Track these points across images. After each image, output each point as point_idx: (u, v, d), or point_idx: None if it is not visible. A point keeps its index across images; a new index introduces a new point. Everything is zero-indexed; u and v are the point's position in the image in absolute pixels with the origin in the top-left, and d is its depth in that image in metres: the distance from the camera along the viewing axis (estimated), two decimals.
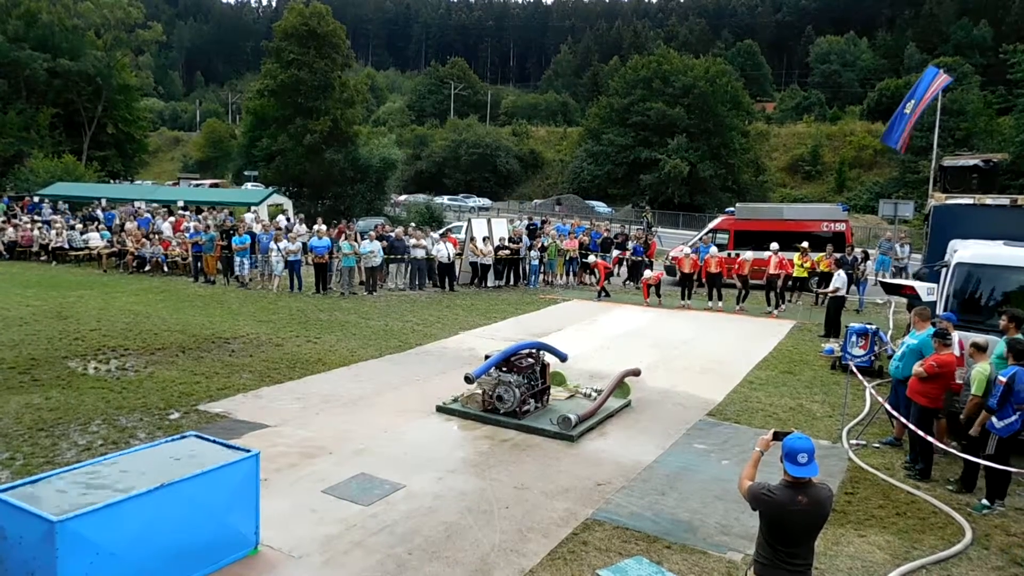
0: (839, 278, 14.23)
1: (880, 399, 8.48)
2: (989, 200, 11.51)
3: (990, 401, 6.48)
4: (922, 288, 10.18)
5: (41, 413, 8.13)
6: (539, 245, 20.06)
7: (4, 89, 39.49)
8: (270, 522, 5.53)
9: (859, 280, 17.65)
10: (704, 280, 17.33)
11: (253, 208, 25.27)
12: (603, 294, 18.13)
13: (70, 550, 4.12)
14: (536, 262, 19.89)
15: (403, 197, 50.85)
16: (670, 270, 20.05)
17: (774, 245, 16.64)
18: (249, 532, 5.26)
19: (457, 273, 19.11)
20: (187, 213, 24.59)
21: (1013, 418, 6.37)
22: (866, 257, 17.94)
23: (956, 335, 7.60)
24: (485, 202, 55.30)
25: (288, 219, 24.55)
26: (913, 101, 19.78)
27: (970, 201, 11.63)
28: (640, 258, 19.94)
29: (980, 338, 7.05)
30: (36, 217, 24.91)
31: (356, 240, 18.27)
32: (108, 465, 4.95)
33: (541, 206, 50.59)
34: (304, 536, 5.58)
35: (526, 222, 24.16)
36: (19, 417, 7.96)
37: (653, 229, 31.53)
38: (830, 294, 14.29)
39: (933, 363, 7.11)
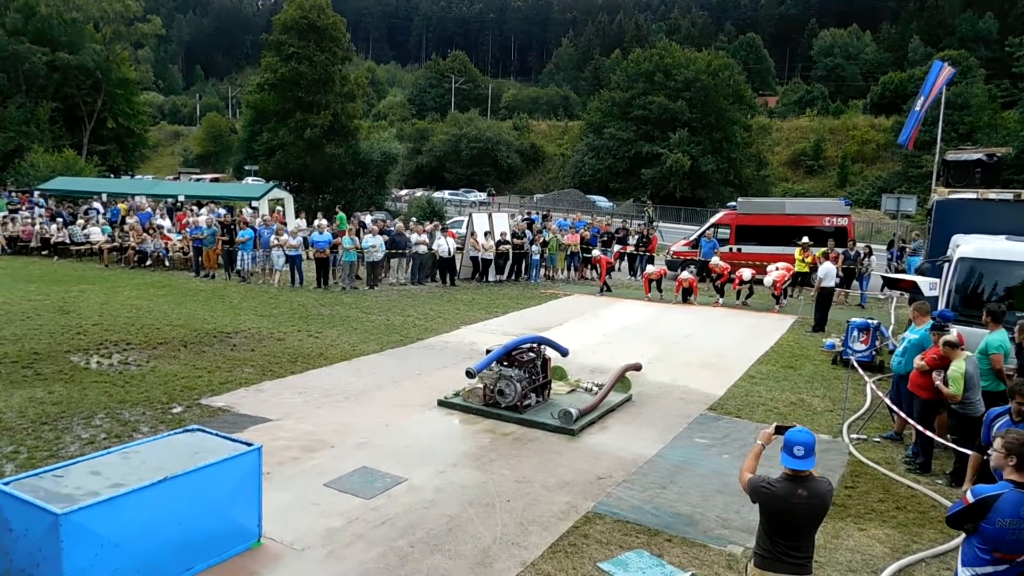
0: (824, 269, 14.26)
1: (881, 394, 8.49)
2: (992, 195, 11.48)
3: None
4: (924, 283, 10.17)
5: (44, 407, 8.16)
6: (540, 240, 20.05)
7: (3, 83, 39.47)
8: (272, 515, 5.56)
9: (861, 275, 17.65)
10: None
11: (254, 204, 25.24)
12: (604, 289, 18.14)
13: (74, 542, 4.15)
14: (537, 257, 19.89)
15: (404, 192, 50.81)
16: (672, 264, 20.03)
17: (771, 266, 16.66)
18: (252, 525, 5.29)
19: (458, 268, 19.13)
20: (193, 207, 24.55)
21: None
22: (869, 252, 17.91)
23: (955, 329, 7.61)
24: (486, 196, 55.26)
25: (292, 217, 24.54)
26: (923, 98, 19.72)
27: (973, 196, 11.60)
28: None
29: (951, 335, 7.03)
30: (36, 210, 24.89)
31: (359, 234, 18.27)
32: (111, 458, 4.98)
33: (542, 200, 50.54)
34: (306, 529, 5.61)
35: (522, 217, 24.08)
36: (23, 411, 7.99)
37: (654, 224, 31.48)
38: (816, 286, 14.33)
39: (934, 356, 7.14)
